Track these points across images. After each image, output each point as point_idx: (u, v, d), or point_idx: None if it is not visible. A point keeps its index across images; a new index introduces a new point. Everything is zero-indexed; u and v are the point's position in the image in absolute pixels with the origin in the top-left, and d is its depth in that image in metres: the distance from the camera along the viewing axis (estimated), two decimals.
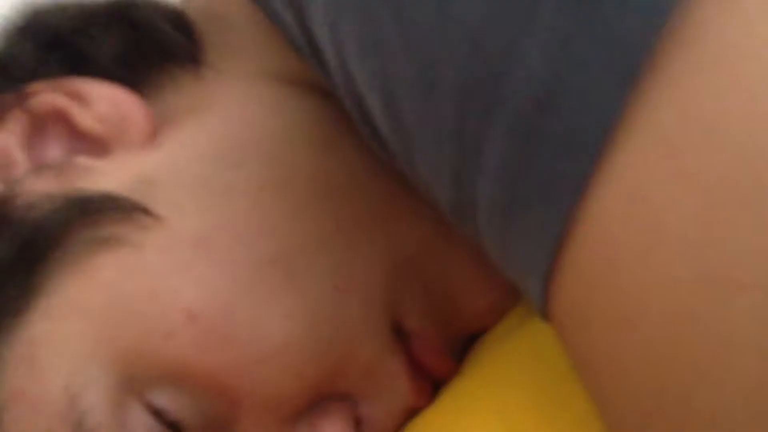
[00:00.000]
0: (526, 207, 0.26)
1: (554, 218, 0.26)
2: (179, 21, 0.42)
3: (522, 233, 0.27)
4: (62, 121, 0.40)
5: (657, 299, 0.24)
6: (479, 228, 0.29)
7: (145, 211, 0.37)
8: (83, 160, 0.39)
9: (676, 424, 0.25)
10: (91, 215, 0.37)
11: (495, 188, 0.27)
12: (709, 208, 0.23)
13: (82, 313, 0.37)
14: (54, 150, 0.40)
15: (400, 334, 0.40)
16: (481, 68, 0.26)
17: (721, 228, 0.23)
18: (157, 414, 0.37)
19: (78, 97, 0.40)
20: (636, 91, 0.24)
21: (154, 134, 0.40)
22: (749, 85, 0.23)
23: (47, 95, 0.40)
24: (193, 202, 0.38)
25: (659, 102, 0.24)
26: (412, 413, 0.41)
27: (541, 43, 0.25)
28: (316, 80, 0.40)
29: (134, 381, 0.37)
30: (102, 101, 0.40)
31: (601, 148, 0.25)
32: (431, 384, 0.41)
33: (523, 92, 0.25)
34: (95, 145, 0.40)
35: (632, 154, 0.24)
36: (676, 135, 0.24)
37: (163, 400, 0.37)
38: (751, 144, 0.23)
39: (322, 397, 0.39)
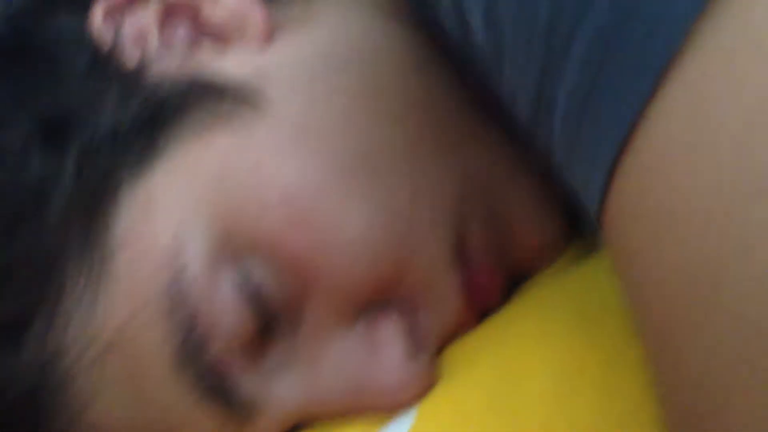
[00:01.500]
0: (601, 102, 0.29)
1: (624, 114, 0.29)
2: None
3: (593, 127, 0.30)
4: (191, 12, 0.44)
5: (700, 196, 0.27)
6: (554, 132, 0.32)
7: (259, 97, 0.41)
8: (207, 48, 0.43)
9: (706, 306, 0.27)
10: (213, 94, 0.41)
11: (576, 82, 0.30)
12: (752, 109, 0.26)
13: (195, 174, 0.40)
14: (181, 36, 0.44)
15: (461, 255, 0.43)
16: None
17: (760, 133, 0.26)
18: (244, 278, 0.40)
19: None
20: (706, 14, 0.27)
21: (270, 36, 0.44)
22: None
23: None
24: (299, 95, 0.42)
25: (725, 23, 0.27)
26: (458, 333, 0.44)
27: None
28: (414, 17, 0.44)
29: (229, 245, 0.40)
30: (230, 0, 0.44)
31: (671, 56, 0.28)
32: (481, 310, 0.44)
33: (610, 6, 0.28)
34: (218, 38, 0.44)
35: (696, 60, 0.27)
36: (735, 48, 0.27)
37: (251, 266, 0.40)
38: None
39: (385, 299, 0.42)
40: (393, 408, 0.41)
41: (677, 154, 0.28)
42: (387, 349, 0.42)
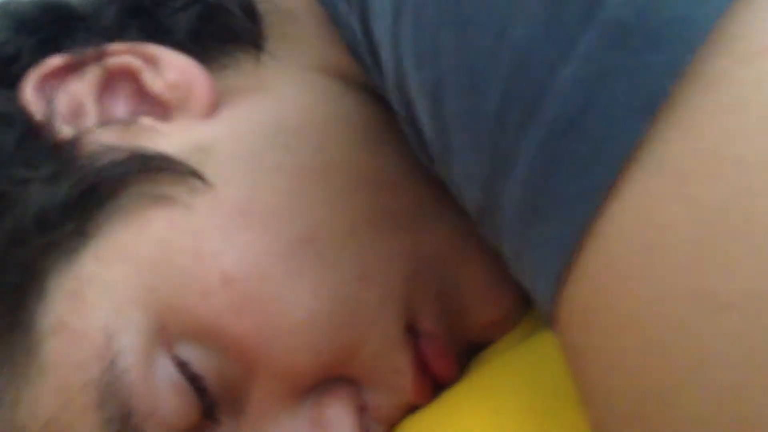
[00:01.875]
0: (545, 215, 0.29)
1: (570, 229, 0.28)
2: (248, 7, 0.45)
3: (539, 239, 0.29)
4: (133, 81, 0.43)
5: (652, 309, 0.27)
6: (501, 231, 0.31)
7: (199, 176, 0.40)
8: (147, 121, 0.42)
9: (656, 425, 0.27)
10: (150, 172, 0.40)
11: (520, 195, 0.29)
12: (705, 231, 0.26)
13: (129, 260, 0.39)
14: (121, 108, 0.43)
15: (412, 333, 0.42)
16: (523, 87, 0.29)
17: (713, 251, 0.26)
18: (182, 366, 0.39)
19: (152, 62, 0.43)
20: (654, 124, 0.27)
21: (214, 107, 0.42)
22: (749, 132, 0.26)
23: (124, 56, 0.42)
24: (242, 174, 0.40)
25: (674, 136, 0.27)
26: (411, 409, 0.43)
27: (576, 72, 0.27)
28: (366, 81, 0.43)
29: (166, 332, 0.39)
30: (173, 69, 0.42)
31: (617, 172, 0.27)
32: (433, 385, 0.43)
33: (556, 112, 0.28)
34: (160, 109, 0.42)
35: (644, 179, 0.27)
36: (684, 166, 0.26)
37: (189, 353, 0.39)
38: (745, 181, 0.26)
39: (333, 378, 0.41)
40: None
41: (629, 264, 0.27)
42: (335, 430, 0.41)
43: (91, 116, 0.42)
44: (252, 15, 0.45)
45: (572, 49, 0.27)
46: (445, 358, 0.43)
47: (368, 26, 0.35)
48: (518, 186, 0.29)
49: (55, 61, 0.42)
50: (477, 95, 0.30)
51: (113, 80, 0.43)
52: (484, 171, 0.30)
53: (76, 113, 0.42)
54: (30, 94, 0.42)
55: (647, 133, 0.27)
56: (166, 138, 0.41)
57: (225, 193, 0.40)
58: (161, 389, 0.38)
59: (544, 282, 0.30)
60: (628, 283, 0.27)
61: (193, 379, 0.39)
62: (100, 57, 0.42)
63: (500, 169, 0.30)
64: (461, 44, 0.30)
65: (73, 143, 0.40)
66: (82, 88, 0.42)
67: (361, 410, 0.42)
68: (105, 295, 0.39)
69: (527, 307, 0.46)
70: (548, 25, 0.28)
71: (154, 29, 0.44)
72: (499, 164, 0.30)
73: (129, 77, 0.43)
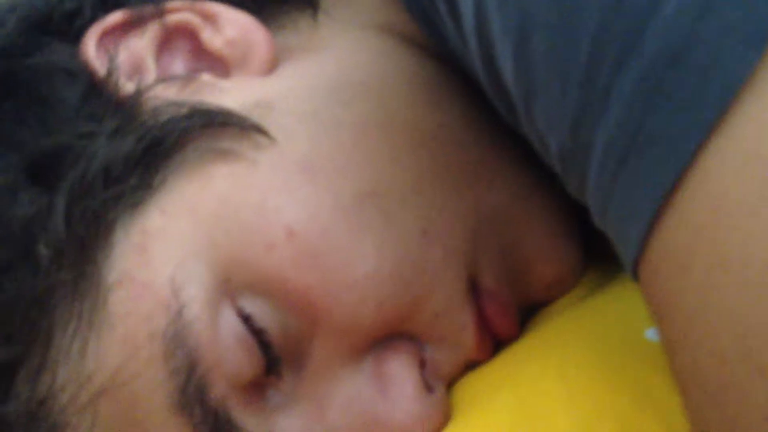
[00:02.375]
0: (643, 153, 0.28)
1: (670, 166, 0.28)
2: None
3: (633, 178, 0.29)
4: (191, 38, 0.43)
5: (760, 248, 0.26)
6: (588, 175, 0.31)
7: (262, 131, 0.40)
8: (207, 78, 0.42)
9: (760, 362, 0.26)
10: (213, 126, 0.40)
11: (616, 133, 0.29)
12: None
13: (194, 214, 0.39)
14: (180, 64, 0.43)
15: (474, 290, 0.42)
16: (621, 20, 0.28)
17: None
18: (246, 319, 0.38)
19: (211, 19, 0.42)
20: (766, 55, 0.26)
21: (273, 65, 0.42)
22: None
23: (184, 14, 0.42)
24: (304, 129, 0.40)
25: None
26: (470, 365, 0.43)
27: (681, 1, 0.27)
28: (424, 41, 0.43)
29: (230, 285, 0.39)
30: (232, 26, 0.42)
31: (725, 106, 0.27)
32: (494, 342, 0.43)
33: (658, 45, 0.27)
34: (219, 65, 0.42)
35: (754, 114, 0.26)
36: None
37: (253, 307, 0.39)
38: None
39: (393, 335, 0.41)
40: None
41: (737, 201, 0.27)
42: (398, 385, 0.41)
43: (151, 72, 0.42)
44: None
45: None
46: (507, 314, 0.43)
47: None
48: (613, 124, 0.29)
49: (115, 17, 0.42)
50: (567, 29, 0.29)
51: (172, 37, 0.43)
52: (573, 111, 0.30)
53: (137, 69, 0.42)
54: (92, 49, 0.42)
55: (759, 63, 0.26)
56: (227, 94, 0.41)
57: (287, 149, 0.40)
58: (226, 341, 0.38)
59: (636, 225, 0.29)
60: (735, 220, 0.27)
61: (257, 333, 0.39)
62: (159, 14, 0.42)
63: (592, 108, 0.29)
64: None
65: (135, 98, 0.40)
66: (142, 44, 0.42)
67: (424, 366, 0.42)
68: (170, 247, 0.39)
69: (588, 267, 0.46)
70: None
71: None
72: (592, 102, 0.29)
73: (188, 34, 0.43)
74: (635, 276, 0.31)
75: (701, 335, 0.28)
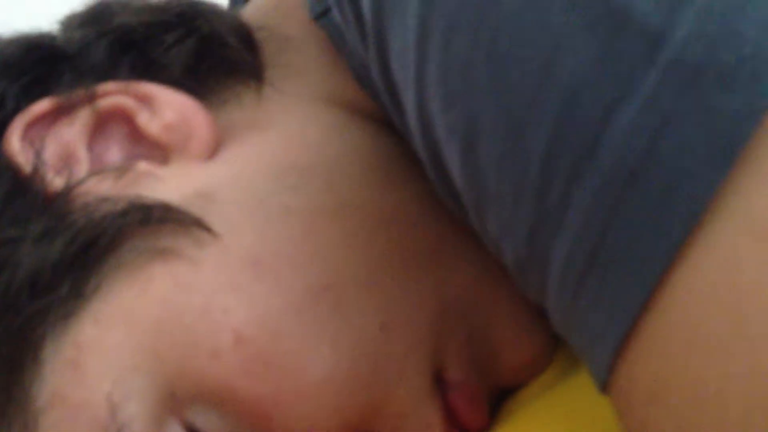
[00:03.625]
0: (605, 273, 0.26)
1: (635, 292, 0.26)
2: (245, 36, 0.42)
3: (596, 299, 0.27)
4: (127, 124, 0.40)
5: (736, 389, 0.24)
6: (547, 288, 0.29)
7: (204, 226, 0.37)
8: (144, 166, 0.39)
9: None
10: (151, 224, 0.37)
11: (574, 250, 0.27)
12: None
13: (131, 322, 0.36)
14: (115, 153, 0.40)
15: (439, 383, 0.39)
16: (574, 130, 0.26)
17: None
18: None
19: (147, 102, 0.40)
20: (732, 174, 0.24)
21: (215, 148, 0.40)
22: None
23: (117, 97, 0.39)
24: (249, 221, 0.38)
25: (755, 187, 0.24)
26: None
27: (640, 114, 0.25)
28: (376, 111, 0.40)
29: (175, 398, 0.36)
30: (170, 109, 0.39)
31: (688, 232, 0.25)
32: None
33: (616, 161, 0.25)
34: (157, 152, 0.40)
35: (723, 237, 0.24)
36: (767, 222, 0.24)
37: (202, 419, 0.36)
38: None
39: None
40: None
41: (708, 333, 0.25)
42: None
43: (83, 164, 0.39)
44: (249, 45, 0.42)
45: (631, 90, 0.25)
46: (476, 406, 0.40)
47: (387, 65, 0.32)
48: (570, 241, 0.27)
49: (42, 105, 0.39)
50: (517, 138, 0.27)
51: (105, 123, 0.40)
52: (527, 223, 0.28)
53: (67, 162, 0.39)
54: (16, 144, 0.38)
55: (723, 184, 0.24)
56: (165, 184, 0.38)
57: (232, 243, 0.37)
58: None
59: (602, 348, 0.27)
60: (709, 358, 0.24)
61: None
62: (90, 99, 0.39)
63: (548, 221, 0.27)
64: (497, 81, 0.27)
65: (64, 195, 0.37)
66: (72, 133, 0.39)
67: None
68: (106, 361, 0.36)
69: (558, 346, 0.44)
70: (602, 62, 0.25)
71: (147, 66, 0.41)
72: (547, 216, 0.27)
73: (122, 119, 0.40)
74: (605, 392, 0.29)
75: None
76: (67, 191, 0.37)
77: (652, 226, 0.25)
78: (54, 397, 0.35)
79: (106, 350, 0.36)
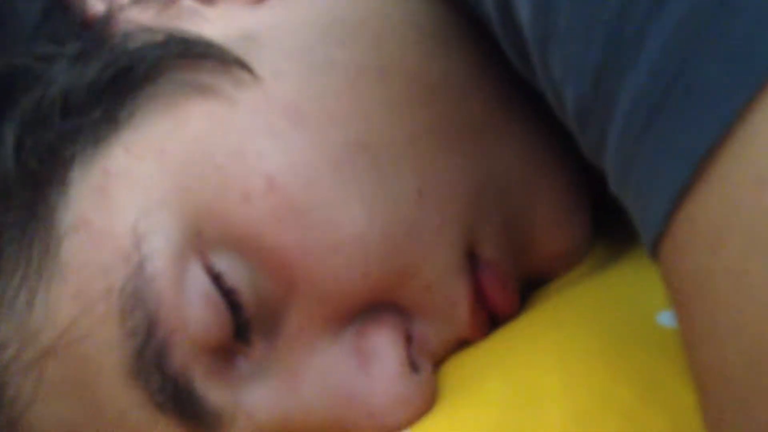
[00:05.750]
0: (679, 107, 0.25)
1: (711, 124, 0.24)
2: None
3: (664, 137, 0.25)
4: None
5: None
6: (608, 131, 0.27)
7: (246, 67, 0.36)
8: (189, 3, 0.38)
9: None
10: (190, 58, 0.36)
11: (648, 82, 0.25)
12: None
13: (163, 156, 0.36)
14: None
15: (471, 260, 0.39)
16: None
17: None
18: (216, 277, 0.35)
19: None
20: None
21: None
22: None
23: None
24: (292, 68, 0.37)
25: None
26: (462, 344, 0.40)
27: None
28: None
29: (200, 238, 0.35)
30: None
31: None
32: (489, 319, 0.40)
33: None
34: None
35: None
36: None
37: (225, 264, 0.35)
38: None
39: (379, 305, 0.37)
40: (384, 430, 0.37)
41: None
42: (380, 360, 0.37)
43: None
44: None
45: None
46: (506, 290, 0.40)
47: None
48: (646, 72, 0.25)
49: None
50: None
51: None
52: (598, 58, 0.26)
53: None
54: None
55: None
56: (210, 23, 0.38)
57: (273, 89, 0.36)
58: (191, 301, 0.35)
59: (663, 194, 0.26)
60: None
61: (227, 293, 0.35)
62: None
63: (622, 52, 0.26)
64: None
65: (105, 20, 0.37)
66: None
67: (410, 342, 0.38)
68: (135, 192, 0.35)
69: (594, 242, 0.43)
70: None
71: None
72: (621, 46, 0.26)
73: None
74: (654, 253, 0.28)
75: (731, 329, 0.25)
76: (108, 16, 0.37)
77: (740, 51, 0.23)
78: (78, 220, 0.35)
79: (135, 181, 0.35)
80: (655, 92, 0.25)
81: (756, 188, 0.24)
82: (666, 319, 0.36)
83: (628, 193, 0.28)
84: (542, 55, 0.29)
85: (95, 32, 0.36)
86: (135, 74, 0.36)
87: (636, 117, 0.26)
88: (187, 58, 0.36)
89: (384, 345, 0.37)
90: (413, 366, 0.38)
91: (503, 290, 0.39)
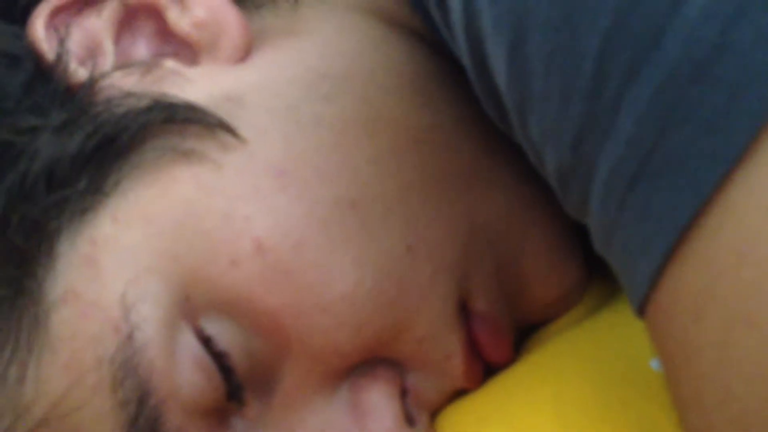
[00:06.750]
0: (657, 179, 0.25)
1: (689, 196, 0.24)
2: None
3: (644, 207, 0.26)
4: (156, 19, 0.39)
5: None
6: (590, 200, 0.28)
7: (230, 130, 0.36)
8: (172, 64, 0.38)
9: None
10: (176, 123, 0.36)
11: (625, 153, 0.25)
12: None
13: (150, 223, 0.35)
14: (142, 49, 0.39)
15: (463, 312, 0.38)
16: (636, 21, 0.24)
17: None
18: (206, 341, 0.35)
19: None
20: None
21: (247, 51, 0.39)
22: None
23: None
24: (278, 128, 0.37)
25: None
26: (457, 393, 0.39)
27: (709, 3, 0.24)
28: (417, 26, 0.39)
29: (190, 303, 0.35)
30: (201, 6, 0.38)
31: (757, 130, 0.23)
32: (484, 368, 0.40)
33: (679, 54, 0.24)
34: (185, 51, 0.39)
35: None
36: None
37: (215, 328, 0.35)
38: None
39: (373, 360, 0.37)
40: None
41: (760, 253, 0.24)
42: (375, 416, 0.37)
43: (108, 57, 0.38)
44: None
45: None
46: (500, 340, 0.39)
47: None
48: (623, 142, 0.25)
49: None
50: (572, 30, 0.25)
51: (134, 17, 0.39)
52: (576, 124, 0.26)
53: (92, 53, 0.38)
54: (40, 30, 0.37)
55: None
56: (193, 85, 0.37)
57: (259, 150, 0.36)
58: (183, 367, 0.35)
59: (646, 261, 0.26)
60: (764, 268, 0.23)
61: (218, 357, 0.35)
62: None
63: (598, 122, 0.26)
64: None
65: (88, 87, 0.36)
66: (98, 24, 0.38)
67: (404, 395, 0.38)
68: (122, 261, 0.35)
69: (589, 283, 0.43)
70: None
71: None
72: (598, 115, 0.26)
73: (151, 14, 0.39)
74: (641, 314, 0.28)
75: (718, 400, 0.25)
76: (91, 83, 0.36)
77: (715, 126, 0.24)
78: (67, 293, 0.35)
79: (123, 249, 0.35)
80: (633, 162, 0.25)
81: (736, 261, 0.24)
82: (659, 365, 0.36)
83: (612, 257, 0.28)
84: (520, 118, 0.29)
85: (78, 100, 0.36)
86: (119, 143, 0.35)
87: (615, 185, 0.26)
88: (171, 123, 0.36)
89: (379, 400, 0.37)
90: (409, 419, 0.38)
91: (497, 340, 0.39)
